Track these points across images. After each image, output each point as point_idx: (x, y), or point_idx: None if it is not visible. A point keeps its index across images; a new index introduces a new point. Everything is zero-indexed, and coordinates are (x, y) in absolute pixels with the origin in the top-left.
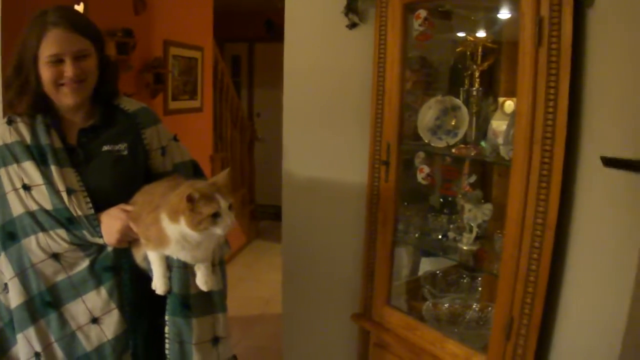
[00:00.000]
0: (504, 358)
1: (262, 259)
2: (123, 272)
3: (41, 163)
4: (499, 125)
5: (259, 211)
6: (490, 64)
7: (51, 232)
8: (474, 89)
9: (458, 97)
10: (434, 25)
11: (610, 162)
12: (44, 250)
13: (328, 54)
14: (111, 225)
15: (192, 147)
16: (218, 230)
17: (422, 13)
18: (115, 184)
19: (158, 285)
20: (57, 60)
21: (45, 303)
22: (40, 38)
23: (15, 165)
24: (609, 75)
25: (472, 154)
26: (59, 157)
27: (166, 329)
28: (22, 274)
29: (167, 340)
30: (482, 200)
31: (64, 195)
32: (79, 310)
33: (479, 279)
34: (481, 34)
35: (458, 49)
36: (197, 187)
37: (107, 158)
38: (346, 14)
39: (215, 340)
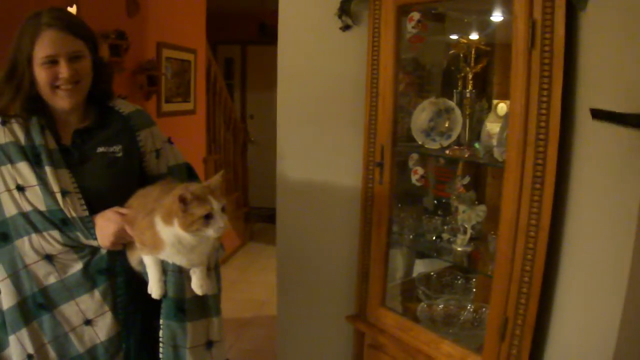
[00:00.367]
0: (498, 358)
1: (256, 262)
2: (117, 275)
3: (35, 164)
4: (492, 127)
5: (253, 213)
6: (483, 66)
7: (45, 234)
8: (467, 91)
9: (451, 99)
10: (427, 27)
11: (598, 115)
12: (37, 251)
13: (321, 56)
14: (106, 227)
15: (185, 149)
16: (210, 232)
17: (416, 15)
18: (110, 185)
19: (154, 289)
20: (52, 62)
21: (38, 305)
22: (34, 39)
23: (9, 166)
24: (601, 77)
25: (466, 155)
26: (53, 158)
27: (160, 333)
28: (14, 275)
29: (161, 344)
30: (476, 202)
31: (59, 196)
32: (72, 312)
33: (473, 280)
34: (474, 36)
35: (451, 52)
36: (190, 189)
37: (101, 160)
38: (339, 16)
39: (209, 344)
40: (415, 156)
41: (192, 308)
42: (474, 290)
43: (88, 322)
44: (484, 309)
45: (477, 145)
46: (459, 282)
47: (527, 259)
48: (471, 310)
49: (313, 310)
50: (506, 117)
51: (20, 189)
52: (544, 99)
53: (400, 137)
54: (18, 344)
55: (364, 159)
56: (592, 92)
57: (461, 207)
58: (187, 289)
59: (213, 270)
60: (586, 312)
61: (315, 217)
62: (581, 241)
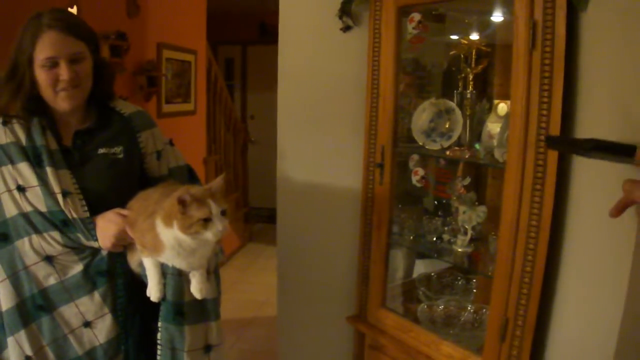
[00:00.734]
0: (499, 359)
1: (256, 262)
2: (117, 277)
3: (36, 164)
4: (493, 127)
5: (253, 214)
6: (484, 67)
7: (45, 235)
8: (468, 91)
9: (452, 100)
10: (428, 28)
11: (551, 141)
12: (38, 252)
13: (322, 56)
14: (107, 229)
15: (185, 150)
16: (209, 235)
17: (416, 16)
18: (111, 187)
19: (153, 292)
20: (52, 63)
21: (37, 306)
22: (35, 40)
23: (10, 166)
24: (602, 78)
25: (466, 156)
26: (54, 159)
27: (158, 336)
28: (14, 276)
29: (159, 347)
30: (476, 203)
31: (59, 197)
32: (71, 313)
33: (474, 280)
34: (474, 36)
35: (452, 52)
36: (190, 191)
37: (102, 161)
38: (340, 17)
39: (208, 348)
40: (415, 157)
41: (190, 311)
42: (474, 291)
43: (87, 324)
44: (484, 310)
45: (477, 146)
46: (459, 282)
47: (528, 259)
48: (471, 311)
49: (313, 310)
50: (506, 118)
51: (21, 189)
52: (545, 99)
53: (400, 138)
54: (16, 345)
55: (364, 159)
56: (593, 93)
57: (462, 208)
58: (186, 292)
59: (212, 273)
60: (586, 312)
61: (315, 218)
62: (582, 242)
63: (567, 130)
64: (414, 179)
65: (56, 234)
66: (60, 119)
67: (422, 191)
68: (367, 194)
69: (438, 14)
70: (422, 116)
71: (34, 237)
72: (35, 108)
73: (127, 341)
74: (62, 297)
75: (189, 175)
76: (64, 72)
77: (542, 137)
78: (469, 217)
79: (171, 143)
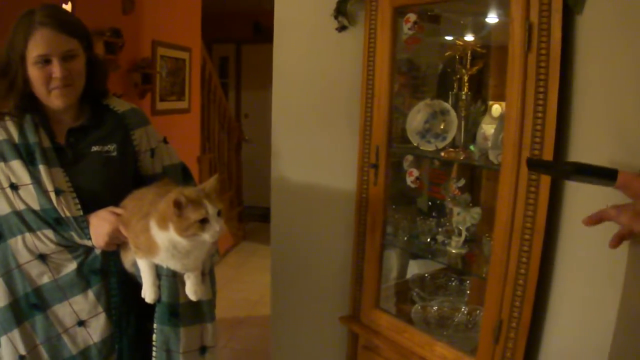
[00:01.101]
0: None
1: (250, 261)
2: (111, 276)
3: (29, 162)
4: (488, 129)
5: (247, 213)
6: (479, 68)
7: (38, 233)
8: (463, 93)
9: (447, 101)
10: (423, 29)
11: (531, 164)
12: (31, 250)
13: (317, 56)
14: (100, 227)
15: (179, 148)
16: (206, 237)
17: (412, 17)
18: (104, 185)
19: (147, 293)
20: (45, 61)
21: (30, 305)
22: (28, 38)
23: (2, 164)
24: (597, 80)
25: (461, 157)
26: (47, 157)
27: (154, 337)
28: (7, 275)
29: (154, 348)
30: (471, 204)
31: (52, 195)
32: (65, 312)
33: (468, 282)
34: (470, 38)
35: (447, 53)
36: (185, 193)
37: (96, 159)
38: (336, 17)
39: (203, 350)
40: (410, 158)
41: (185, 313)
42: (468, 292)
43: (81, 324)
44: (478, 311)
45: (472, 147)
46: (453, 284)
47: (522, 261)
48: (465, 312)
49: (307, 310)
50: (500, 119)
51: (14, 187)
52: (540, 102)
53: (394, 138)
54: (10, 344)
55: (358, 159)
56: (589, 95)
57: (456, 209)
58: (181, 294)
59: (207, 275)
60: (581, 315)
61: (309, 218)
62: (576, 244)
63: (562, 133)
64: (409, 180)
65: (49, 233)
66: (54, 116)
67: (416, 192)
68: (361, 194)
69: (434, 14)
70: (416, 117)
71: (27, 235)
72: (28, 105)
73: (122, 340)
74: (55, 295)
75: (183, 174)
76: (56, 69)
77: (537, 140)
78: (463, 218)
79: (165, 141)
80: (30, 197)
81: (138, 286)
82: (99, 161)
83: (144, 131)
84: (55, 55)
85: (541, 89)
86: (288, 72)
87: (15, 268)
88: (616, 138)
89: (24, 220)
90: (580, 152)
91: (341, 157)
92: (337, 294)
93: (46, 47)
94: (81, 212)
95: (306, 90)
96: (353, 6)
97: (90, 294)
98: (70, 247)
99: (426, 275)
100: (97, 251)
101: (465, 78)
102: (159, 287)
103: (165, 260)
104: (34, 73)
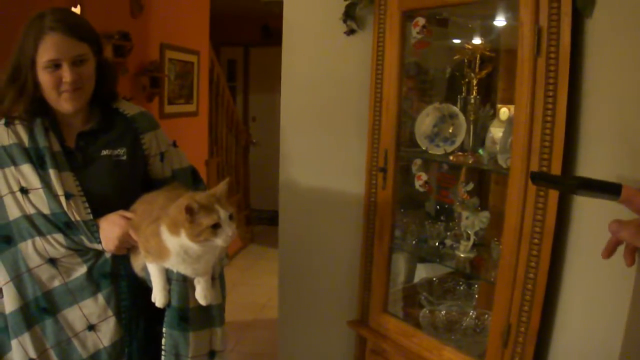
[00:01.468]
0: None
1: (257, 264)
2: (121, 279)
3: (39, 166)
4: (496, 133)
5: (254, 216)
6: (488, 72)
7: (49, 237)
8: (472, 96)
9: (455, 105)
10: (432, 33)
11: (535, 178)
12: (41, 254)
13: (326, 60)
14: (110, 231)
15: (187, 151)
16: (219, 241)
17: (421, 21)
18: (114, 189)
19: (157, 298)
20: (55, 66)
21: (41, 309)
22: (38, 42)
23: (12, 168)
24: (607, 84)
25: (470, 161)
26: (57, 161)
27: (163, 341)
28: (17, 279)
29: (163, 353)
30: (479, 208)
31: (62, 199)
32: (75, 316)
33: (476, 286)
34: (477, 41)
35: (455, 57)
36: (196, 198)
37: (106, 163)
38: (344, 21)
39: (212, 354)
40: (418, 162)
41: (195, 317)
42: (477, 296)
43: (91, 328)
44: (486, 316)
45: (481, 151)
46: (462, 288)
47: (531, 266)
48: (473, 316)
49: (314, 314)
50: (509, 123)
51: (24, 191)
52: (549, 106)
53: (402, 142)
54: (20, 348)
55: (367, 163)
56: (598, 99)
57: (464, 213)
58: (191, 298)
59: (217, 279)
60: (590, 319)
61: (317, 221)
62: (585, 249)
63: (571, 137)
64: (417, 184)
65: (59, 237)
66: (63, 120)
67: (424, 196)
68: (369, 198)
69: (442, 18)
70: (425, 121)
71: (37, 239)
72: (38, 109)
73: (131, 344)
74: (66, 299)
75: (192, 177)
76: (66, 74)
77: (546, 144)
78: (471, 222)
79: (175, 144)
80: (40, 201)
81: (148, 290)
82: (108, 165)
83: (154, 135)
84: (66, 60)
85: (550, 93)
86: (297, 75)
87: (25, 272)
88: (626, 141)
89: (34, 225)
90: (590, 156)
91: (349, 160)
92: (344, 298)
93: (56, 52)
94: (91, 216)
95: (315, 94)
96: (362, 10)
97: (100, 297)
98: (80, 251)
99: (434, 279)
100: (107, 255)
101: (474, 82)
102: (169, 292)
103: (176, 265)
104: (44, 77)
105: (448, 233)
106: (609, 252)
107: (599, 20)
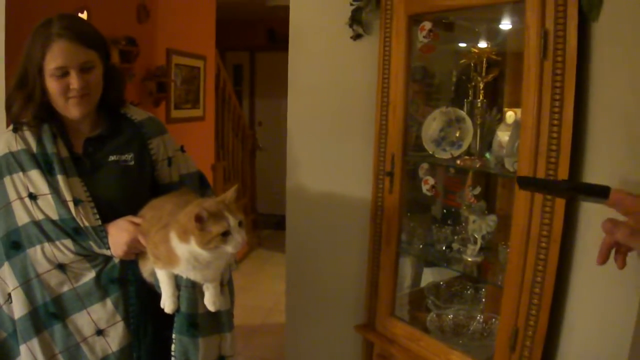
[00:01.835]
0: None
1: (264, 269)
2: (129, 285)
3: (47, 172)
4: (503, 136)
5: (261, 220)
6: (494, 76)
7: (57, 242)
8: (478, 100)
9: (462, 109)
10: (438, 36)
11: (523, 182)
12: (50, 260)
13: (332, 65)
14: (119, 237)
15: (194, 156)
16: (229, 249)
17: (427, 25)
18: (122, 194)
19: (167, 304)
20: (63, 73)
21: (49, 314)
22: (45, 49)
23: (21, 174)
24: (614, 87)
25: (477, 165)
26: (65, 167)
27: (172, 347)
28: (26, 284)
29: (172, 358)
30: (486, 212)
31: (71, 205)
32: (84, 321)
33: (483, 290)
34: (484, 45)
35: (462, 61)
36: (205, 206)
37: (113, 168)
38: (351, 25)
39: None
40: (425, 166)
41: (204, 323)
42: (484, 300)
43: (100, 333)
44: (493, 320)
45: (488, 155)
46: (469, 292)
47: (538, 269)
48: (481, 320)
49: (321, 318)
50: (515, 127)
51: (33, 197)
52: (556, 109)
53: (409, 146)
54: (29, 353)
55: (374, 168)
56: (605, 102)
57: (472, 217)
58: (200, 304)
59: (226, 285)
60: (597, 323)
61: (324, 225)
62: (593, 252)
63: (579, 140)
64: (424, 188)
65: (68, 242)
66: (71, 126)
67: (431, 200)
68: (376, 202)
69: (448, 22)
70: (432, 125)
71: (46, 245)
72: (45, 115)
73: (140, 349)
74: (74, 304)
75: (200, 182)
76: (74, 81)
77: (553, 147)
78: (479, 226)
79: (182, 149)
80: (48, 207)
81: (156, 295)
82: (116, 170)
83: (161, 140)
84: (73, 67)
85: (557, 97)
86: (303, 80)
87: (34, 278)
88: (634, 143)
89: (42, 230)
90: (597, 159)
91: (356, 164)
92: (352, 302)
93: (64, 60)
94: (99, 222)
95: (321, 98)
96: (368, 15)
97: (109, 302)
98: (88, 257)
99: (441, 283)
100: (116, 260)
101: (481, 85)
102: (178, 298)
103: (186, 272)
104: (52, 84)
105: (455, 237)
106: (604, 257)
107: (606, 23)
